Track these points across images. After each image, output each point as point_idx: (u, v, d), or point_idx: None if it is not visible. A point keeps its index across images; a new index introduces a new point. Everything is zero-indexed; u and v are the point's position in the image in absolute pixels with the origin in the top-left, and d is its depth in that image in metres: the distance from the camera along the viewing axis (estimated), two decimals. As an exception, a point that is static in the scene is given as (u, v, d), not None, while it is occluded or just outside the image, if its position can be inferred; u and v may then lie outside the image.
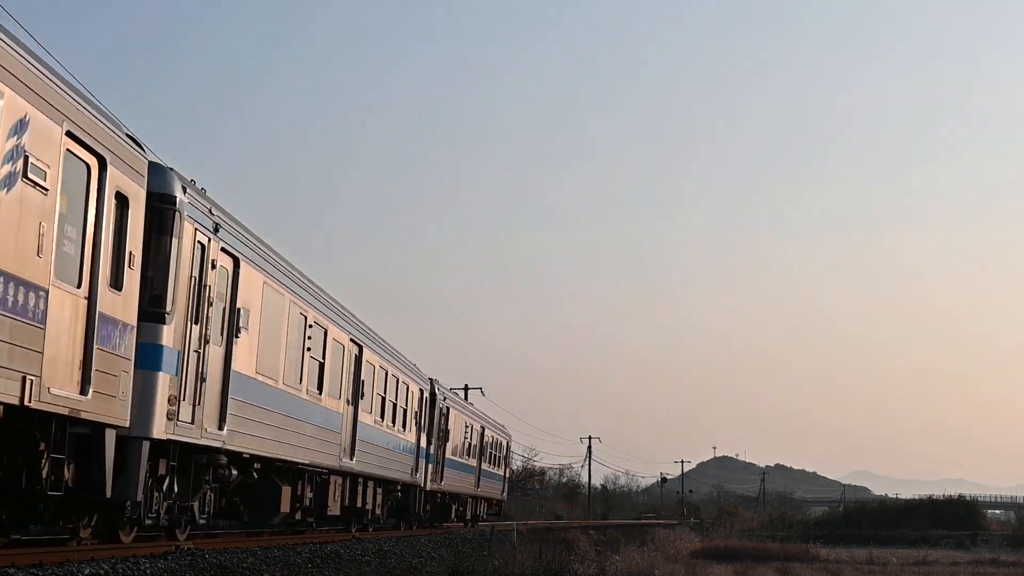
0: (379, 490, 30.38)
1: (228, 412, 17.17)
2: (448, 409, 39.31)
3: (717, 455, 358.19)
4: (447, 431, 39.16)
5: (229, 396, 17.20)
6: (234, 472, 18.57)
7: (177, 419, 15.21)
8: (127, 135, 14.05)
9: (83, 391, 12.44)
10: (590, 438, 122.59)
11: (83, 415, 12.48)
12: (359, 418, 26.13)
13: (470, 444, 44.68)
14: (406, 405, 32.17)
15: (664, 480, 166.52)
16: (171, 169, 15.37)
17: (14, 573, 11.29)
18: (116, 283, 13.28)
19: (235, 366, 17.43)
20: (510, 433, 59.05)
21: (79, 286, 12.36)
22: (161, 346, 14.78)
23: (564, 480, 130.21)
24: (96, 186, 12.71)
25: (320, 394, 22.68)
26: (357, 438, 25.99)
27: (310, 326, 21.61)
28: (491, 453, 50.33)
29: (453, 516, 43.82)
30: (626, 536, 56.26)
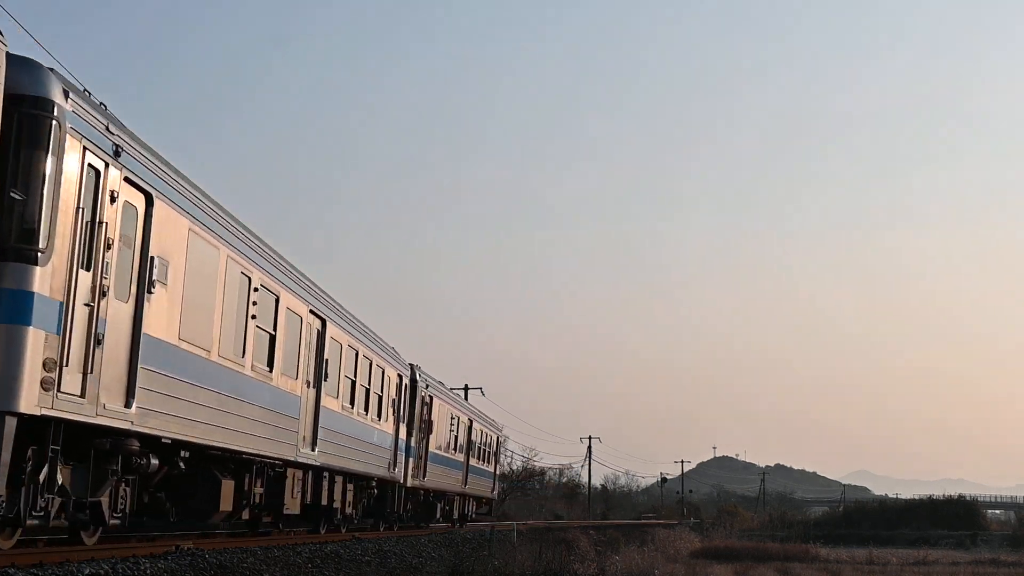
0: (350, 486, 27.00)
1: (137, 386, 13.79)
2: (431, 399, 35.89)
3: (717, 455, 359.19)
4: (430, 423, 35.77)
5: (139, 365, 13.80)
6: (153, 461, 15.17)
7: (58, 390, 11.83)
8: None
9: None
10: (590, 438, 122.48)
11: None
12: (322, 403, 22.76)
13: (456, 438, 41.23)
14: (381, 391, 28.75)
15: (664, 480, 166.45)
16: (50, 69, 12.02)
17: (14, 573, 10.99)
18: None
19: (148, 329, 14.04)
20: (501, 428, 55.69)
21: None
22: (31, 293, 11.39)
23: (564, 480, 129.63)
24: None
25: (270, 372, 19.30)
26: (320, 425, 22.60)
27: (256, 289, 18.22)
28: (480, 448, 46.89)
29: (439, 516, 40.32)
30: (626, 536, 55.25)
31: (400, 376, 31.30)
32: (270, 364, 19.25)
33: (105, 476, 13.86)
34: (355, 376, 25.77)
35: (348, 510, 27.01)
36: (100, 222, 12.66)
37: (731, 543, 69.24)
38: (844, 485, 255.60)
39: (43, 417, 11.70)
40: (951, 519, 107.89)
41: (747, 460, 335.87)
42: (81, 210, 12.22)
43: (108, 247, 12.85)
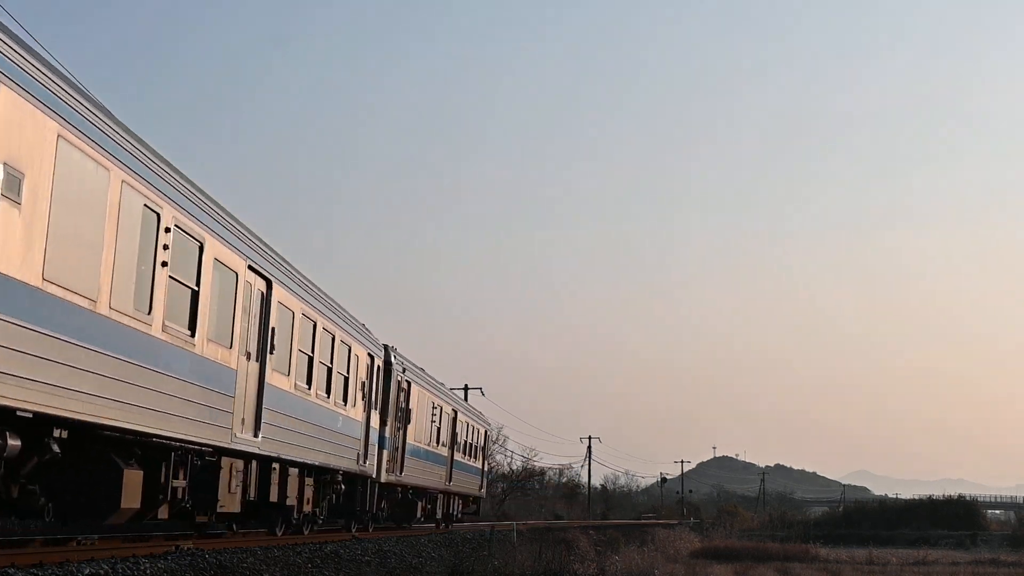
0: (309, 480, 23.29)
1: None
2: (409, 384, 32.14)
3: (717, 455, 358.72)
4: (408, 411, 32.06)
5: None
6: (12, 443, 11.47)
7: None
8: None
9: None
10: (590, 438, 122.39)
11: None
12: (268, 379, 19.07)
13: (439, 430, 37.47)
14: (347, 372, 25.03)
15: (664, 480, 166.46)
16: None
17: (14, 573, 11.18)
18: None
19: (-11, 261, 10.37)
20: (490, 421, 51.98)
21: None
22: None
23: (564, 480, 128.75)
24: None
25: (192, 336, 15.57)
26: (265, 407, 18.91)
27: (167, 230, 14.49)
28: (466, 442, 43.14)
29: (420, 515, 36.53)
30: (626, 536, 54.43)
31: (372, 356, 27.58)
32: (191, 327, 15.54)
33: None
34: (314, 352, 22.07)
35: (307, 508, 23.31)
36: None
37: (731, 543, 68.90)
38: (844, 485, 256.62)
39: None
40: (951, 519, 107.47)
41: (747, 460, 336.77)
42: None
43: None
